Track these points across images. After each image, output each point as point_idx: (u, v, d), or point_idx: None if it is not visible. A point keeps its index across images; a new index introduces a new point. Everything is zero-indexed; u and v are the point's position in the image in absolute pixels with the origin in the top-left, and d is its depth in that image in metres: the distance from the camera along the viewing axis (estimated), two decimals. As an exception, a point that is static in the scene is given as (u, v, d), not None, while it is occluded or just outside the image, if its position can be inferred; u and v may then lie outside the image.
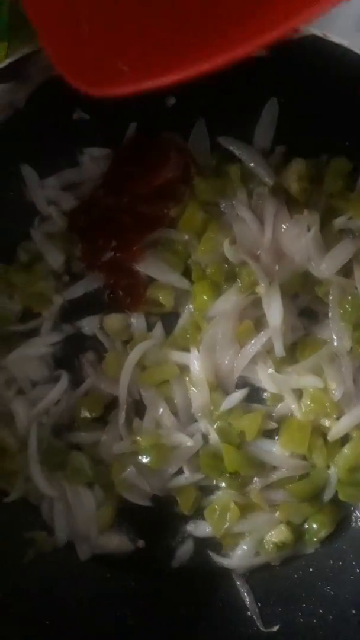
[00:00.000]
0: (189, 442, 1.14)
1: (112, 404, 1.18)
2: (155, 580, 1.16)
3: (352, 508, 1.17)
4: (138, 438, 1.13)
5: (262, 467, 1.15)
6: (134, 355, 1.15)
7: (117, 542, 1.16)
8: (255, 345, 1.12)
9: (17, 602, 1.08)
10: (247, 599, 1.14)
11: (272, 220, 1.12)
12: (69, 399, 1.17)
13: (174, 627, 1.13)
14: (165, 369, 1.16)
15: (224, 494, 1.15)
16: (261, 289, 1.11)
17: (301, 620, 1.11)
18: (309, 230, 1.11)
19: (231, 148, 1.17)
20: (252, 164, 1.16)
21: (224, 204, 1.17)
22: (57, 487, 1.14)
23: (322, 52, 0.98)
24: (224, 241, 1.12)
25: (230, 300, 1.13)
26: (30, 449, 1.13)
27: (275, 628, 1.11)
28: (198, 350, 1.14)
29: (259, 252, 1.14)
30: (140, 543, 1.16)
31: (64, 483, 1.15)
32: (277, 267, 1.13)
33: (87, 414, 1.16)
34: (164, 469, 1.14)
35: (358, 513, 1.17)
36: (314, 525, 1.15)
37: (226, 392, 1.16)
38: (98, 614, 1.12)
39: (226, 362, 1.14)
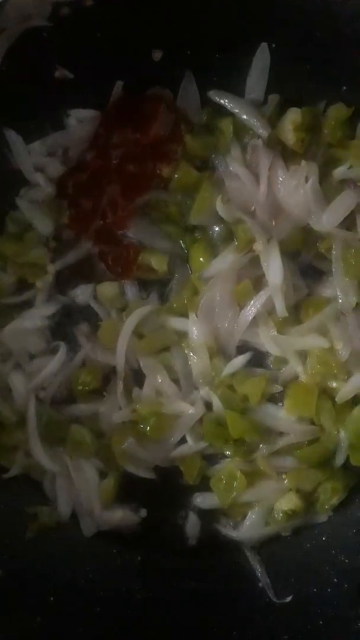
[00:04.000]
0: (190, 410, 1.10)
1: (110, 375, 1.15)
2: (162, 555, 1.13)
3: (365, 473, 1.12)
4: (137, 407, 1.10)
5: (268, 433, 1.11)
6: (130, 323, 1.11)
7: (121, 515, 1.13)
8: (254, 305, 1.07)
9: (22, 579, 1.06)
10: (258, 571, 1.11)
11: (267, 173, 1.07)
12: (66, 371, 1.14)
13: (183, 601, 1.10)
14: (163, 336, 1.13)
15: (229, 463, 1.12)
16: (259, 246, 1.06)
17: (315, 590, 1.07)
18: (307, 181, 1.06)
19: (222, 101, 1.12)
20: (244, 117, 1.11)
21: (217, 161, 1.12)
22: (58, 462, 1.12)
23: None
24: (217, 199, 1.08)
25: (227, 260, 1.09)
26: (30, 423, 1.11)
27: (288, 599, 1.07)
28: (196, 315, 1.10)
29: (253, 208, 1.09)
30: (143, 512, 1.13)
31: (65, 457, 1.12)
32: (274, 223, 1.08)
33: (85, 386, 1.13)
34: (165, 438, 1.11)
35: (372, 478, 1.12)
36: (325, 493, 1.11)
37: (228, 358, 1.12)
38: (105, 589, 1.09)
39: (226, 325, 1.10)
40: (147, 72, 1.11)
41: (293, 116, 1.09)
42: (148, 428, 1.09)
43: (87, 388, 1.13)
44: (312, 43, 1.04)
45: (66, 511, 1.12)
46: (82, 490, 1.12)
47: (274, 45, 1.07)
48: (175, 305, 1.14)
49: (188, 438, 1.12)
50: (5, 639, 0.98)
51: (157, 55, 1.10)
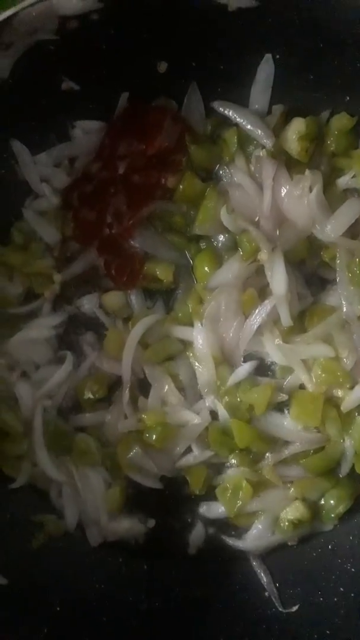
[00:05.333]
0: (195, 420, 1.10)
1: (115, 384, 1.15)
2: (168, 564, 1.13)
3: (370, 481, 1.12)
4: (143, 416, 1.10)
5: (274, 442, 1.11)
6: (135, 333, 1.11)
7: (128, 525, 1.13)
8: (259, 314, 1.08)
9: (28, 589, 1.05)
10: (264, 580, 1.11)
11: (271, 183, 1.07)
12: (72, 381, 1.14)
13: (189, 610, 1.09)
14: (169, 346, 1.13)
15: (235, 472, 1.12)
16: (263, 255, 1.07)
17: (321, 599, 1.07)
18: (311, 191, 1.06)
19: (226, 112, 1.13)
20: (249, 127, 1.11)
21: (221, 171, 1.13)
22: (64, 471, 1.12)
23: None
24: (221, 209, 1.08)
25: (232, 270, 1.09)
26: (36, 433, 1.11)
27: (295, 608, 1.07)
28: (201, 324, 1.10)
29: (257, 217, 1.09)
30: (150, 523, 1.13)
31: (71, 467, 1.12)
32: (278, 232, 1.09)
33: (91, 395, 1.13)
34: (171, 448, 1.11)
35: (377, 487, 1.12)
36: (331, 501, 1.11)
37: (233, 367, 1.12)
38: (111, 599, 1.09)
39: (231, 334, 1.10)
40: (152, 84, 1.12)
41: (297, 126, 1.09)
42: (154, 437, 1.09)
43: (92, 397, 1.13)
44: (315, 53, 1.04)
45: (72, 521, 1.12)
46: (88, 500, 1.12)
47: (277, 56, 1.08)
48: (180, 314, 1.14)
49: (193, 447, 1.12)
50: None
51: (162, 67, 1.10)
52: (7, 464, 1.12)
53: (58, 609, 1.04)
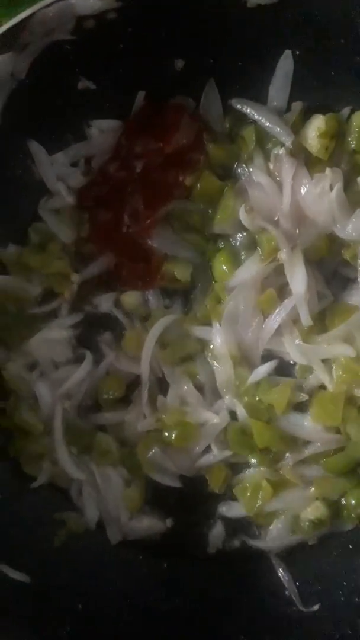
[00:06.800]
0: (215, 419, 1.11)
1: (134, 384, 1.15)
2: (188, 563, 1.14)
3: (391, 481, 1.11)
4: (162, 416, 1.10)
5: (294, 442, 1.11)
6: (154, 332, 1.11)
7: (148, 524, 1.13)
8: (279, 314, 1.07)
9: (51, 586, 1.07)
10: (285, 579, 1.11)
11: (290, 181, 1.06)
12: (91, 380, 1.15)
13: (209, 609, 1.10)
14: (187, 345, 1.13)
15: (255, 472, 1.12)
16: (283, 255, 1.06)
17: (342, 599, 1.07)
18: (331, 189, 1.05)
19: (244, 109, 1.11)
20: (267, 124, 1.10)
21: (239, 170, 1.12)
22: (84, 470, 1.12)
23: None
24: (240, 208, 1.07)
25: (251, 269, 1.08)
26: (56, 431, 1.11)
27: (316, 607, 1.07)
28: (220, 324, 1.10)
29: (277, 217, 1.08)
30: (169, 522, 1.13)
31: (92, 465, 1.13)
32: (298, 231, 1.07)
33: (110, 394, 1.14)
34: (190, 447, 1.11)
35: None
36: (352, 501, 1.11)
37: (252, 367, 1.12)
38: (131, 597, 1.10)
39: (250, 334, 1.10)
40: (169, 82, 1.10)
41: (317, 123, 1.08)
42: (173, 437, 1.09)
43: (112, 397, 1.14)
44: (335, 49, 1.03)
45: (93, 518, 1.13)
46: (108, 499, 1.13)
47: (297, 53, 1.06)
48: (198, 314, 1.14)
49: (213, 447, 1.12)
50: None
51: (179, 64, 1.09)
52: (28, 463, 1.13)
53: (80, 606, 1.06)
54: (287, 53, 1.07)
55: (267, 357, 1.12)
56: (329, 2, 0.99)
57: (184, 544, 1.14)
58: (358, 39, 1.01)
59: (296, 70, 1.08)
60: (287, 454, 1.11)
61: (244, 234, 1.11)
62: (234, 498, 1.13)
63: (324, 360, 1.09)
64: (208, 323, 1.12)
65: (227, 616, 1.09)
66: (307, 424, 1.11)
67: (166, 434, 1.10)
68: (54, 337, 1.16)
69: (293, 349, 1.09)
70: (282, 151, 1.08)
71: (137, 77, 1.09)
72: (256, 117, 1.10)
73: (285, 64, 1.08)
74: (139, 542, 1.13)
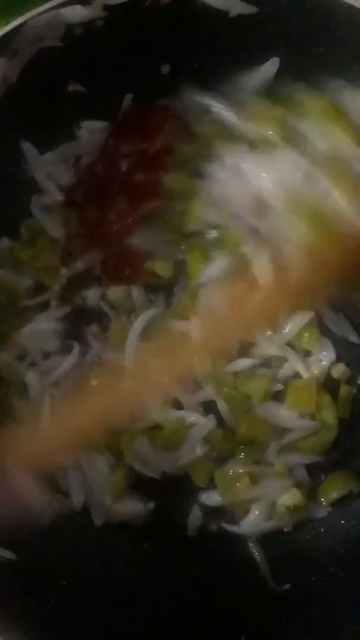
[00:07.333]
0: (202, 420, 1.14)
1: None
2: (168, 545, 1.18)
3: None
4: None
5: (274, 430, 1.16)
6: (137, 326, 1.16)
7: (131, 507, 1.17)
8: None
9: (36, 564, 1.10)
10: (259, 560, 1.16)
11: (249, 175, 1.09)
12: (78, 370, 1.19)
13: (188, 588, 1.14)
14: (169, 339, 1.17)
15: (237, 464, 1.16)
16: (247, 247, 1.10)
17: (313, 578, 1.12)
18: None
19: (208, 103, 1.14)
20: (241, 127, 1.12)
21: (208, 167, 1.15)
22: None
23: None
24: (206, 205, 1.12)
25: (219, 265, 1.13)
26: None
27: (287, 587, 1.12)
28: (196, 319, 1.15)
29: (241, 211, 1.12)
30: (150, 505, 1.18)
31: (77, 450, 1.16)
32: (263, 225, 1.10)
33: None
34: (176, 448, 1.16)
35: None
36: (326, 488, 1.17)
37: (230, 359, 1.17)
38: (114, 574, 1.14)
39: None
40: (156, 86, 1.16)
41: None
42: (159, 439, 1.14)
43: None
44: (316, 57, 1.07)
45: (79, 501, 1.17)
46: (93, 482, 1.17)
47: (278, 59, 1.12)
48: (178, 309, 1.19)
49: (197, 447, 1.15)
50: (23, 619, 1.03)
51: (165, 69, 1.14)
52: None
53: (64, 583, 1.10)
54: (270, 59, 1.12)
55: (246, 350, 1.17)
56: (309, 11, 1.03)
57: (164, 527, 1.19)
58: (339, 47, 1.06)
59: (277, 76, 1.13)
60: (272, 444, 1.15)
61: (215, 230, 1.16)
62: (214, 488, 1.17)
63: (295, 348, 1.14)
64: (187, 317, 1.17)
65: (203, 594, 1.14)
66: (283, 412, 1.16)
67: (152, 435, 1.14)
68: (43, 328, 1.21)
69: (265, 340, 1.15)
70: (246, 149, 1.11)
71: (125, 82, 1.14)
72: (229, 119, 1.13)
73: (266, 70, 1.13)
74: (122, 524, 1.18)
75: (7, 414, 1.18)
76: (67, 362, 1.19)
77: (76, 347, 1.19)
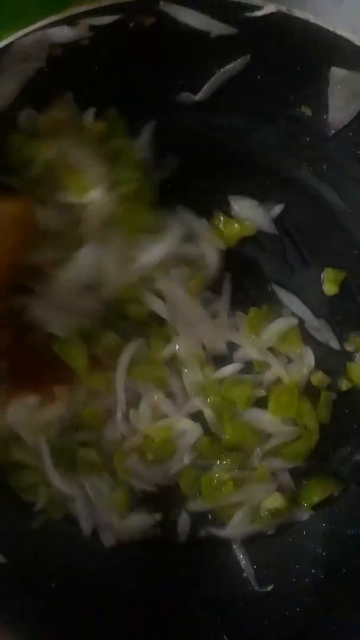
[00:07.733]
0: (191, 429, 1.17)
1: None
2: (159, 549, 1.21)
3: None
4: (144, 431, 1.16)
5: (258, 436, 1.19)
6: (122, 363, 1.16)
7: (138, 521, 1.19)
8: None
9: (25, 567, 1.13)
10: (243, 562, 1.19)
11: None
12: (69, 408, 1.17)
13: (177, 589, 1.18)
14: (153, 370, 1.18)
15: (222, 470, 1.19)
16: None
17: (294, 579, 1.16)
18: None
19: None
20: None
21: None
22: (75, 484, 1.17)
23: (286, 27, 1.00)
24: None
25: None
26: (44, 459, 1.15)
27: (270, 588, 1.16)
28: (177, 333, 1.17)
29: None
30: (157, 516, 1.19)
31: (81, 479, 1.17)
32: None
33: (89, 417, 1.17)
34: (167, 459, 1.18)
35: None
36: (308, 492, 1.21)
37: (218, 365, 1.20)
38: (104, 577, 1.17)
39: (208, 334, 1.18)
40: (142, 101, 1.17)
41: None
42: (150, 452, 1.16)
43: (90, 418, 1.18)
44: (294, 75, 1.10)
45: (87, 527, 1.18)
46: (100, 506, 1.18)
47: (258, 77, 1.12)
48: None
49: (185, 456, 1.18)
50: (11, 620, 1.06)
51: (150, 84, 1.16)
52: (26, 492, 1.18)
53: (53, 585, 1.13)
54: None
55: (229, 353, 1.20)
56: (286, 33, 1.05)
57: (155, 532, 1.21)
58: (315, 67, 1.07)
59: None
60: (257, 449, 1.18)
61: None
62: (200, 493, 1.20)
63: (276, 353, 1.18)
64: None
65: (191, 595, 1.18)
66: (267, 418, 1.18)
67: (143, 449, 1.16)
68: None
69: (247, 344, 1.18)
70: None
71: (109, 97, 1.16)
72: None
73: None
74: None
75: (11, 462, 1.17)
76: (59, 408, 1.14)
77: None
